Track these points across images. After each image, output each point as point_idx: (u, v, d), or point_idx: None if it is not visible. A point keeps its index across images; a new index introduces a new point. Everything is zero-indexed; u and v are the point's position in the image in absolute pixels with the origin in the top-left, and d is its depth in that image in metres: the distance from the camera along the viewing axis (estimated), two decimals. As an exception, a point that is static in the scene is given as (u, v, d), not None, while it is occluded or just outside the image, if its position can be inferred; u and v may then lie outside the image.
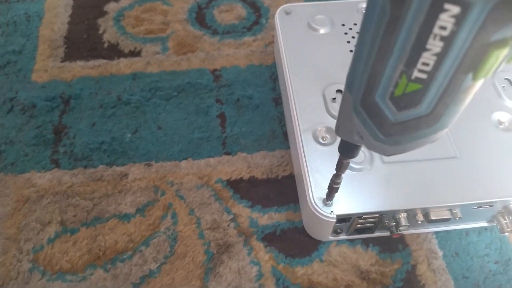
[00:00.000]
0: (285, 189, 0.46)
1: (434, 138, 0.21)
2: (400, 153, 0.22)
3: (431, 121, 0.19)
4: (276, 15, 0.52)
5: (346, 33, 0.50)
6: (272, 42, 0.59)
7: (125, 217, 0.44)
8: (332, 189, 0.35)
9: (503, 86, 0.46)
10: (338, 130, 0.25)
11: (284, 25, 0.51)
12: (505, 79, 0.47)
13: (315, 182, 0.39)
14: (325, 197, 0.37)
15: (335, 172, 0.32)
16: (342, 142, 0.27)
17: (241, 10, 0.63)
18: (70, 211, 0.45)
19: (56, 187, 0.46)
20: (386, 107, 0.20)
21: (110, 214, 0.45)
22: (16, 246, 0.42)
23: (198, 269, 0.41)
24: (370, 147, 0.23)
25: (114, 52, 0.58)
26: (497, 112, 0.44)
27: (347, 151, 0.27)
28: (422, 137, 0.20)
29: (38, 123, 0.51)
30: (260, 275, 0.41)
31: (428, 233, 0.43)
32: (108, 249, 0.42)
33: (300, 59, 0.48)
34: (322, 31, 0.51)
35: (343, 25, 0.51)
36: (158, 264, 0.41)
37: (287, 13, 0.52)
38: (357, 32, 0.50)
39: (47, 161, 0.48)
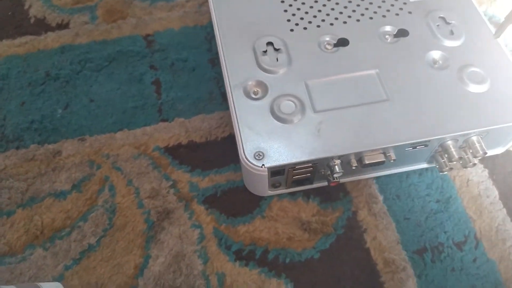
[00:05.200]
0: (225, 150, 0.45)
1: None
2: None
3: None
4: (204, -29, 0.50)
5: (276, -16, 0.48)
6: (206, 1, 0.56)
7: (61, 195, 0.43)
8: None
9: (438, 25, 0.45)
10: None
11: (212, -19, 0.49)
12: (440, 17, 0.46)
13: (246, 137, 0.38)
14: (256, 151, 0.37)
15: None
16: None
17: (174, -29, 0.60)
18: (4, 194, 0.43)
19: (-13, 171, 0.44)
20: None
21: (45, 193, 0.43)
22: None
23: (138, 238, 0.40)
24: None
25: (41, 27, 0.55)
26: (432, 51, 0.43)
27: None
28: None
29: (-36, 108, 0.49)
30: (202, 238, 0.40)
31: (368, 179, 0.43)
32: (45, 228, 0.41)
33: (231, 15, 0.46)
34: (251, -17, 0.48)
35: (273, -25, 0.49)
36: (98, 237, 0.40)
37: (215, -32, 0.50)
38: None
39: (-24, 145, 0.46)
